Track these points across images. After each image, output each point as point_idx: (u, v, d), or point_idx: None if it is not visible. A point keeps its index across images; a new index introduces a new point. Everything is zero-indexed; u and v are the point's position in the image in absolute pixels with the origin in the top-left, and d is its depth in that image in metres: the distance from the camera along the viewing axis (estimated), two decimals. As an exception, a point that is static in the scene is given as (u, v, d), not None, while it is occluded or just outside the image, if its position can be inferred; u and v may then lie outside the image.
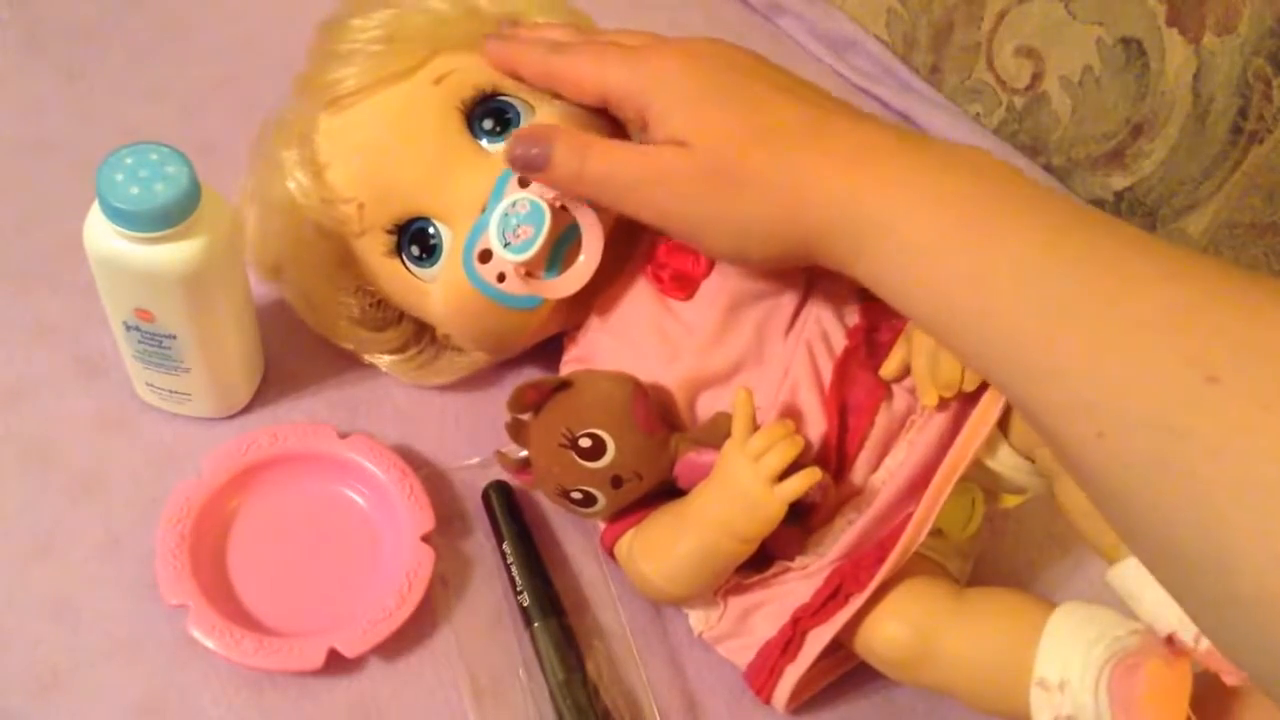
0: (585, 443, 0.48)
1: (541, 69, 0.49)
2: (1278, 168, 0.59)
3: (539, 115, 0.51)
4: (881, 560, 0.47)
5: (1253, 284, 0.32)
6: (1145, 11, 0.61)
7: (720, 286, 0.51)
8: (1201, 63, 0.60)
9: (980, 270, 0.37)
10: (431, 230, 0.52)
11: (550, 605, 0.51)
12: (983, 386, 0.46)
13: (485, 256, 0.49)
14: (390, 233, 0.52)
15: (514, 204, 0.48)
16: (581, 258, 0.48)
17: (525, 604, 0.51)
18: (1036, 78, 0.69)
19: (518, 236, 0.47)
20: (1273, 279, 0.33)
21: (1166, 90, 0.62)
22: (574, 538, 0.55)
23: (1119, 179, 0.67)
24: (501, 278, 0.49)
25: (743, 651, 0.51)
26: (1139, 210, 0.67)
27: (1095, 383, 0.33)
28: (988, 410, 0.46)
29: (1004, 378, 0.36)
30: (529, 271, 0.49)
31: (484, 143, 0.51)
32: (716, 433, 0.48)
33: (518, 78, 0.51)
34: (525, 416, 0.49)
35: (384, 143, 0.51)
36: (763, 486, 0.46)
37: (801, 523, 0.50)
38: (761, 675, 0.50)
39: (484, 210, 0.49)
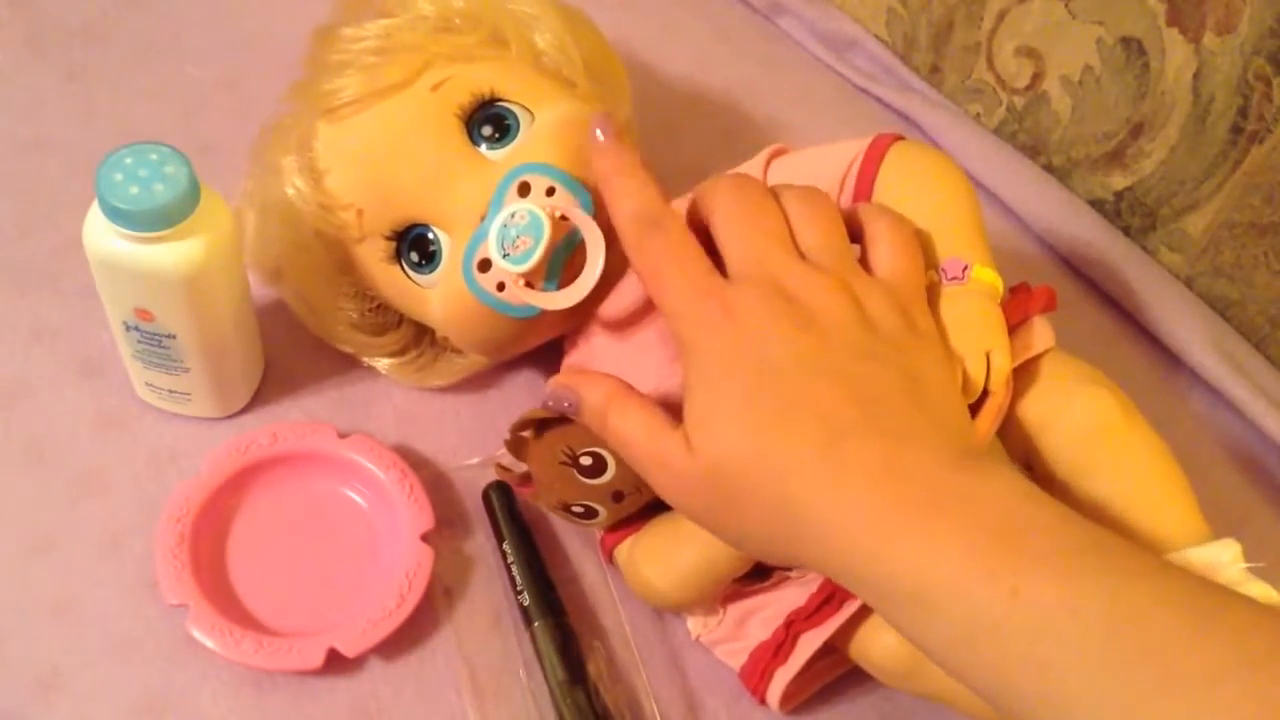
0: (586, 461, 0.48)
1: (635, 242, 0.43)
2: (1278, 168, 0.59)
3: (538, 121, 0.51)
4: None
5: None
6: (1145, 11, 0.61)
7: None
8: (1201, 63, 0.60)
9: (1047, 654, 0.34)
10: (431, 236, 0.52)
11: (551, 605, 0.51)
12: (982, 397, 0.46)
13: (485, 265, 0.49)
14: (389, 239, 0.52)
15: (513, 214, 0.47)
16: (586, 271, 0.48)
17: (525, 604, 0.51)
18: (1036, 78, 0.69)
19: (517, 247, 0.47)
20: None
21: (1166, 90, 0.62)
22: (574, 538, 0.55)
23: (1119, 179, 0.67)
24: (501, 287, 0.49)
25: (739, 655, 0.51)
26: (1139, 210, 0.67)
27: None
28: (986, 420, 0.46)
29: None
30: (529, 282, 0.48)
31: (483, 149, 0.51)
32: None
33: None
34: (525, 434, 0.49)
35: (383, 149, 0.51)
36: None
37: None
38: (754, 678, 0.50)
39: (484, 218, 0.49)
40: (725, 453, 0.40)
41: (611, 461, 0.47)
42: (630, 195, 0.44)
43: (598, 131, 0.45)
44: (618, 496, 0.48)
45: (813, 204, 0.44)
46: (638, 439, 0.43)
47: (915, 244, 0.45)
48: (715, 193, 0.44)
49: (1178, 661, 0.33)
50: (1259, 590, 0.42)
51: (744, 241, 0.43)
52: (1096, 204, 0.69)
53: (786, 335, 0.40)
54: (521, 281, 0.48)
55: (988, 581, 0.35)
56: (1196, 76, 0.61)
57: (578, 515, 0.50)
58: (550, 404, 0.46)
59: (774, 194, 0.45)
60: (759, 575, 0.50)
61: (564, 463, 0.48)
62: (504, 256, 0.47)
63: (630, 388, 0.44)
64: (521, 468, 0.50)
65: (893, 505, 0.37)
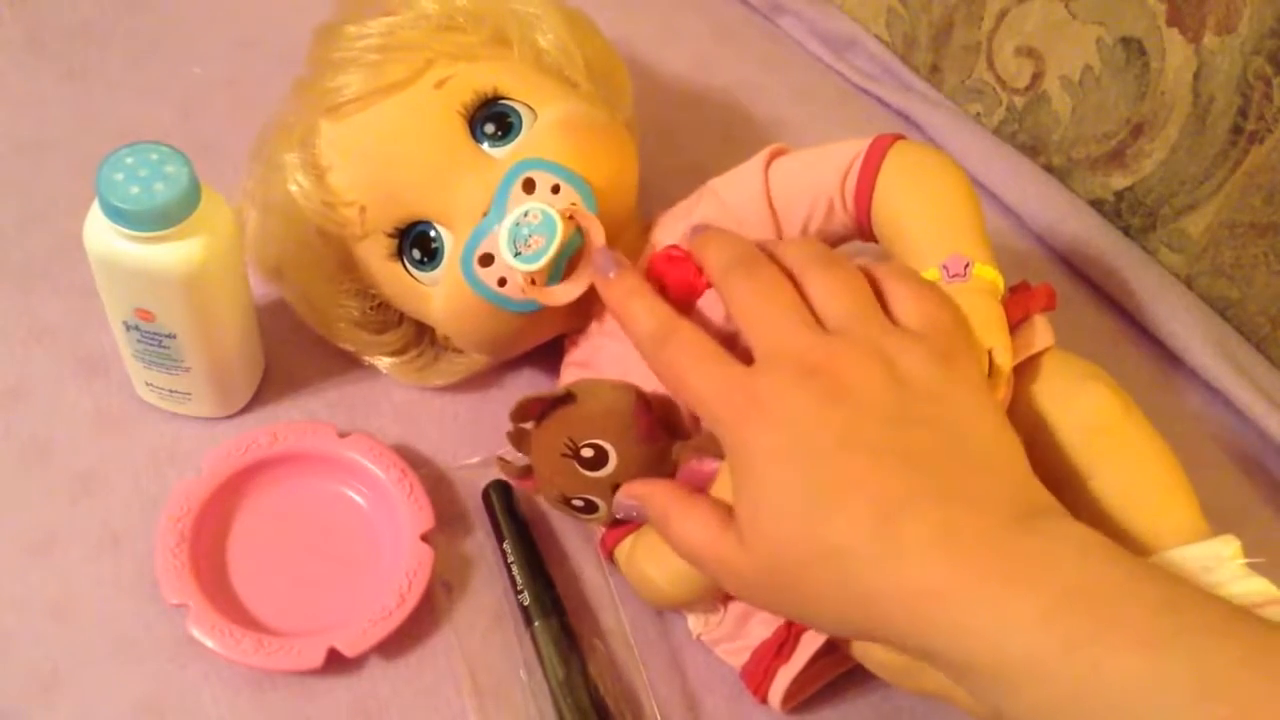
0: (588, 453, 0.48)
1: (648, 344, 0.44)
2: (1278, 168, 0.59)
3: (540, 120, 0.51)
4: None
5: None
6: (1145, 11, 0.61)
7: None
8: (1201, 63, 0.60)
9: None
10: (433, 234, 0.52)
11: (551, 604, 0.51)
12: None
13: (486, 261, 0.49)
14: (392, 236, 0.52)
15: (525, 213, 0.48)
16: (585, 266, 0.48)
17: (526, 603, 0.51)
18: (1036, 78, 0.69)
19: (529, 246, 0.47)
20: None
21: (1166, 90, 0.62)
22: (574, 537, 0.55)
23: (1119, 179, 0.67)
24: (503, 282, 0.49)
25: (740, 654, 0.51)
26: (1139, 210, 0.67)
27: None
28: None
29: None
30: (533, 279, 0.49)
31: (486, 147, 0.51)
32: (719, 441, 0.48)
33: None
34: (527, 425, 0.49)
35: (386, 146, 0.51)
36: None
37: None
38: (756, 676, 0.50)
39: (485, 215, 0.49)
40: (779, 546, 0.39)
41: (613, 454, 0.47)
42: (645, 314, 0.44)
43: (606, 268, 0.46)
44: (618, 491, 0.48)
45: (830, 269, 0.43)
46: (698, 542, 0.42)
47: (926, 283, 0.44)
48: (729, 283, 0.43)
49: None
50: (1257, 586, 0.42)
51: (764, 325, 0.42)
52: (1096, 204, 0.69)
53: (818, 414, 0.39)
54: (527, 278, 0.48)
55: (1066, 653, 0.34)
56: (1196, 76, 0.61)
57: (578, 509, 0.50)
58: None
59: (789, 262, 0.44)
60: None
61: (565, 454, 0.48)
62: (515, 255, 0.47)
63: (686, 491, 0.44)
64: (523, 460, 0.50)
65: (957, 577, 0.36)
